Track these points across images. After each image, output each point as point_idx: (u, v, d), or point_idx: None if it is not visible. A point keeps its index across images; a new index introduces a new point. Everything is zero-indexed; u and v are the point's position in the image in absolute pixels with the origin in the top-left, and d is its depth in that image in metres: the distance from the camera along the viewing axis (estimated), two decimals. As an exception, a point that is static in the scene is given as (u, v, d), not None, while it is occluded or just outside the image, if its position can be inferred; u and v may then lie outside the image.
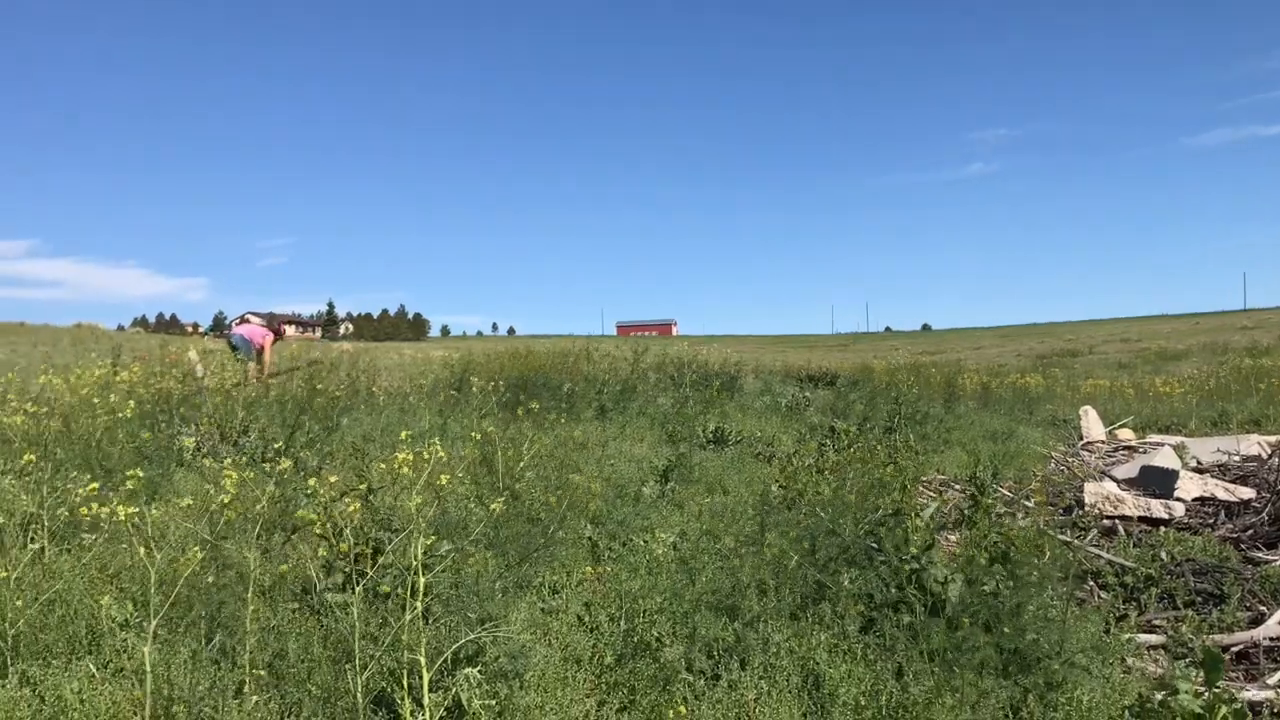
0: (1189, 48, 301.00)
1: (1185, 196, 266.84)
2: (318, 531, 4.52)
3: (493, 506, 4.86)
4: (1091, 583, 6.94)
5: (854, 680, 4.46)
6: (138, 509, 4.21)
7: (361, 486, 4.89)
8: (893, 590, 5.13)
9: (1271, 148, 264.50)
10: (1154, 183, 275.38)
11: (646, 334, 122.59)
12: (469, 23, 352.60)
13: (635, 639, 4.69)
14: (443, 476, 4.41)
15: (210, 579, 4.67)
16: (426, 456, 4.41)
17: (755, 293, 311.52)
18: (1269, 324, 62.21)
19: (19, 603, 4.24)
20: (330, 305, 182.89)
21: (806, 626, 4.93)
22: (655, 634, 4.69)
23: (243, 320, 16.97)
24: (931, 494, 10.05)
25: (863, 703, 4.34)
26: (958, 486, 10.40)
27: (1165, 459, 10.92)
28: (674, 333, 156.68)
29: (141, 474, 4.36)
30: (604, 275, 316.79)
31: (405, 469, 4.34)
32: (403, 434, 4.77)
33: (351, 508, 4.56)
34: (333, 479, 4.71)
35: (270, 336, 15.16)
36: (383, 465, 4.78)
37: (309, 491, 4.82)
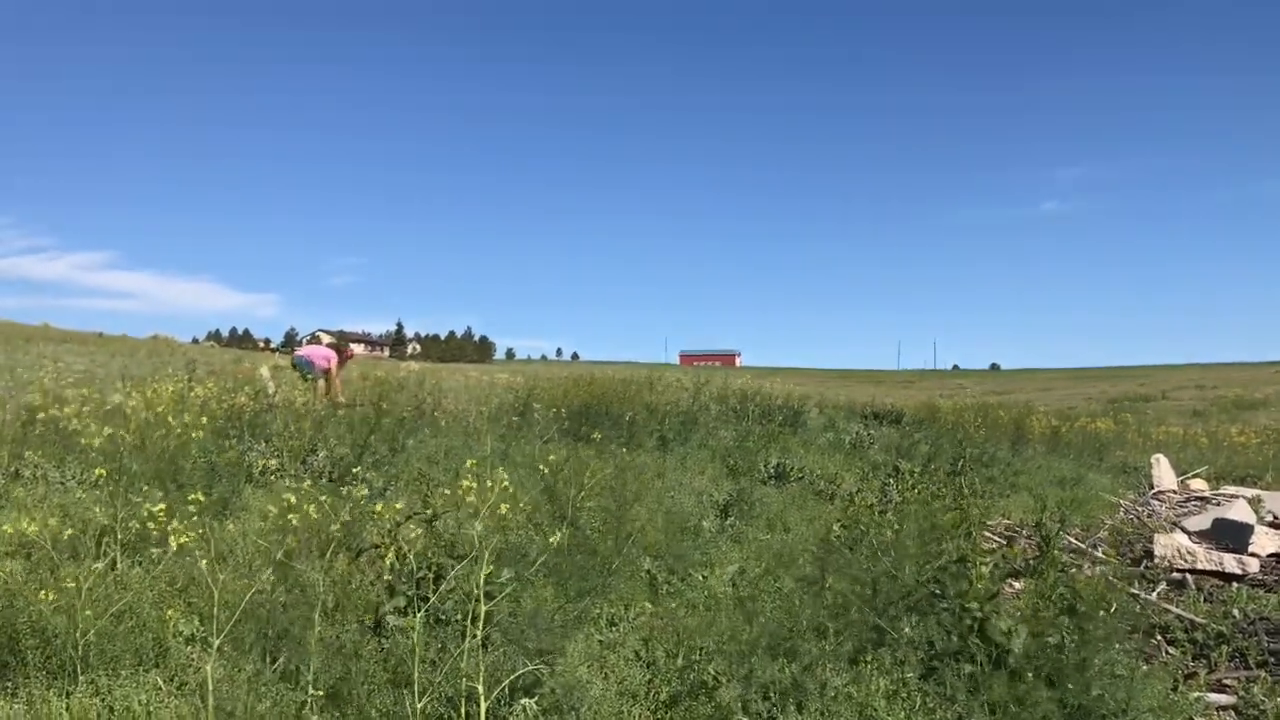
0: (1271, 85, 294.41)
1: (1267, 240, 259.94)
2: (385, 558, 4.58)
3: (553, 539, 4.89)
4: (1160, 638, 6.77)
5: (913, 729, 4.40)
6: (203, 529, 4.30)
7: (426, 512, 4.95)
8: (954, 639, 5.04)
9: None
10: (1235, 226, 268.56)
11: (710, 364, 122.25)
12: (539, 54, 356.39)
13: (692, 677, 4.68)
14: (503, 506, 4.44)
15: (278, 598, 4.75)
16: (491, 485, 4.45)
17: (821, 326, 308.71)
18: (1353, 374, 60.29)
19: (88, 612, 4.35)
20: (399, 325, 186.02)
21: (865, 671, 4.86)
22: (712, 673, 4.67)
23: (313, 339, 17.28)
24: (997, 540, 9.88)
25: (921, 753, 4.27)
26: (1024, 533, 10.21)
27: (1239, 512, 10.62)
28: (737, 364, 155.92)
29: (204, 497, 4.46)
30: (669, 303, 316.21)
31: (470, 497, 4.38)
32: (468, 462, 4.82)
33: (415, 533, 4.62)
34: (398, 505, 4.78)
35: (335, 359, 15.33)
36: (447, 492, 4.83)
37: (375, 515, 4.89)
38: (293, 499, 4.28)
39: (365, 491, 5.19)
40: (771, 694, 4.61)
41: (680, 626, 5.41)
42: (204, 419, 8.13)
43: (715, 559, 7.30)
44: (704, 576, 6.70)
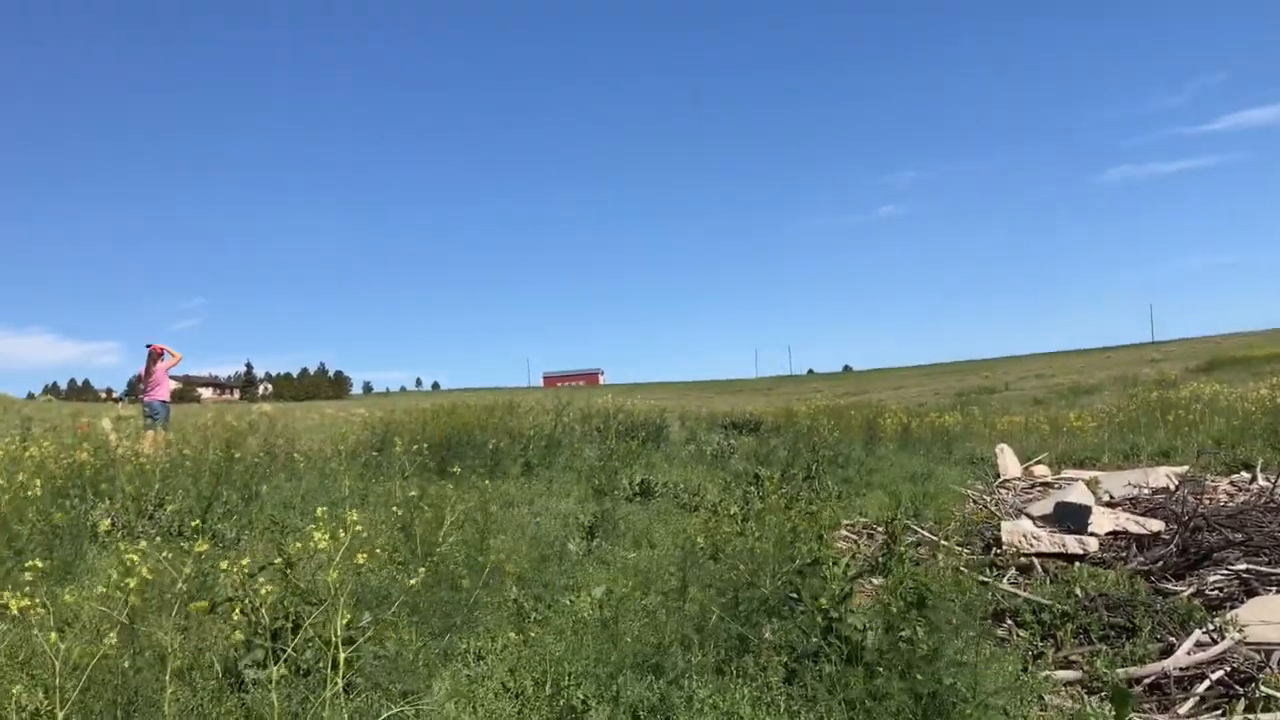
0: (1091, 85, 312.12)
1: (1092, 232, 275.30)
2: (236, 611, 4.47)
3: (412, 582, 4.85)
4: (1010, 621, 7.05)
5: (777, 732, 4.52)
6: (42, 596, 4.12)
7: (278, 561, 4.85)
8: (813, 640, 5.19)
9: (1172, 183, 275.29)
10: (1062, 219, 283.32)
11: (574, 384, 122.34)
12: (376, 77, 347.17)
13: (561, 703, 4.70)
14: (360, 555, 4.39)
15: (126, 663, 4.57)
16: (344, 531, 4.40)
17: (680, 338, 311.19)
18: (1175, 356, 64.60)
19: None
20: (248, 365, 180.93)
21: (730, 680, 4.97)
22: (580, 697, 4.71)
23: (149, 374, 16.53)
24: (853, 539, 10.19)
25: (786, 755, 4.39)
26: (880, 530, 10.55)
27: (1078, 494, 11.16)
28: (601, 381, 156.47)
29: (42, 562, 4.28)
30: (529, 324, 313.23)
31: (322, 544, 4.32)
32: (319, 509, 4.74)
33: (265, 587, 4.51)
34: (244, 561, 4.66)
35: (161, 372, 15.42)
36: (299, 545, 4.74)
37: (224, 569, 4.76)
38: (134, 559, 4.14)
39: (206, 546, 5.02)
40: (640, 712, 4.68)
41: (547, 653, 5.43)
42: (38, 480, 7.76)
43: (581, 581, 7.33)
44: (571, 600, 6.73)
